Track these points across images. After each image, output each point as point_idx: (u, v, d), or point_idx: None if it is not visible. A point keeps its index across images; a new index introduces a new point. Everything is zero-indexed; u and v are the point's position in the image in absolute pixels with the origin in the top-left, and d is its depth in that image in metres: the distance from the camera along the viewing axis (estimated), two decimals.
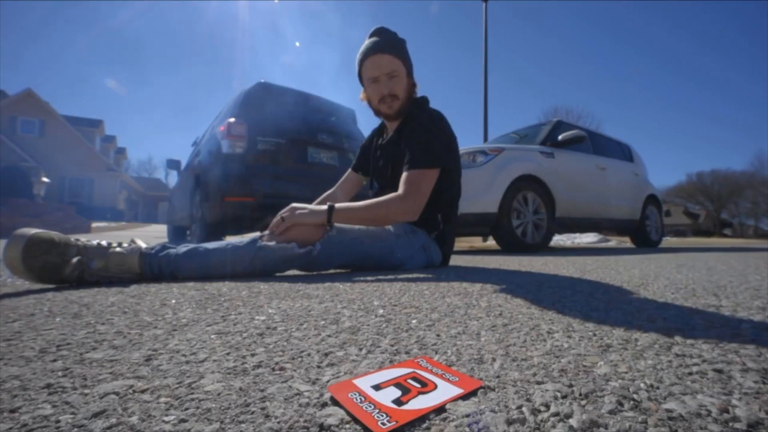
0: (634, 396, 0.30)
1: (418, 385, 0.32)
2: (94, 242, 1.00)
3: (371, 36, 1.37)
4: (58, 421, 0.27)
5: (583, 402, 0.29)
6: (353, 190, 1.63)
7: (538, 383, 0.33)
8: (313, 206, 1.17)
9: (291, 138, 2.98)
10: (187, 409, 0.28)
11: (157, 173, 42.78)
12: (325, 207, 1.16)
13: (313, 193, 1.62)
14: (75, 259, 0.93)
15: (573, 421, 0.26)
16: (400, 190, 1.25)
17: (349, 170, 1.63)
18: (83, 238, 1.00)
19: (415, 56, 1.41)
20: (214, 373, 0.36)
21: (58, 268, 0.92)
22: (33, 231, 0.91)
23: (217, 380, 0.34)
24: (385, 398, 0.29)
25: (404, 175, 1.27)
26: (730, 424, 0.26)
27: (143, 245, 1.05)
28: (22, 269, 0.88)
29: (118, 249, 1.00)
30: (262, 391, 0.32)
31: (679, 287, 0.92)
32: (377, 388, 0.31)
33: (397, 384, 0.32)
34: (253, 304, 0.68)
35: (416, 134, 1.31)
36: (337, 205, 1.17)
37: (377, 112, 1.43)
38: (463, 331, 0.50)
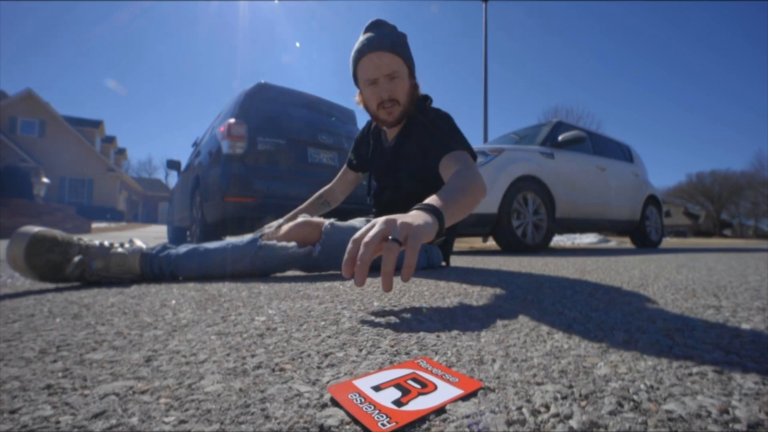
0: (634, 397, 0.30)
1: (418, 386, 0.32)
2: (96, 242, 1.00)
3: (367, 30, 1.20)
4: (58, 422, 0.27)
5: (583, 403, 0.29)
6: (350, 189, 1.59)
7: (538, 384, 0.33)
8: (422, 216, 0.69)
9: (291, 138, 2.98)
10: (187, 410, 0.29)
11: (157, 173, 42.87)
12: (429, 217, 0.69)
13: (312, 194, 1.60)
14: (77, 258, 0.93)
15: (573, 422, 0.26)
16: (461, 166, 1.04)
17: (346, 167, 1.57)
18: (85, 238, 1.00)
19: (415, 54, 1.26)
20: (214, 374, 0.36)
21: (60, 267, 0.92)
22: (36, 229, 0.91)
23: (217, 381, 0.34)
24: (385, 399, 0.29)
25: (452, 156, 1.10)
26: (730, 425, 0.26)
27: (143, 246, 1.05)
28: (24, 267, 0.88)
29: (119, 249, 1.00)
30: (262, 392, 0.32)
31: (679, 288, 0.92)
32: (377, 389, 0.31)
33: (397, 385, 0.32)
34: (253, 305, 0.68)
35: (439, 123, 1.22)
36: (435, 204, 0.75)
37: (375, 118, 1.29)
38: (463, 332, 0.50)
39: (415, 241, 0.60)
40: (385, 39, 1.16)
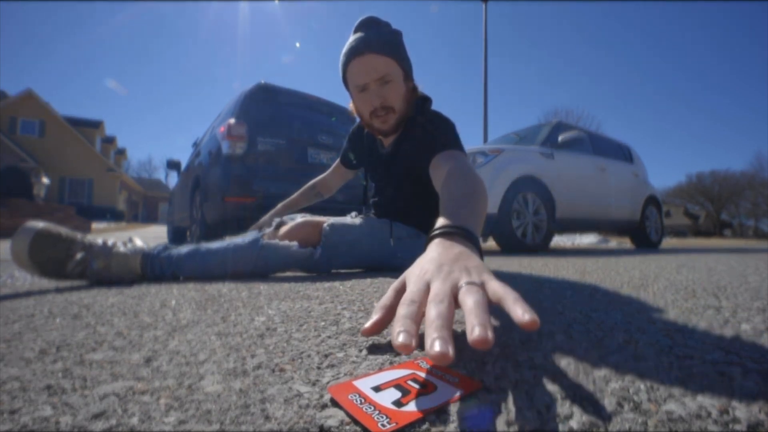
0: (634, 397, 0.30)
1: (418, 387, 0.32)
2: (99, 241, 1.01)
3: (357, 30, 1.06)
4: (57, 422, 0.27)
5: (583, 403, 0.29)
6: (343, 182, 1.57)
7: (538, 384, 0.33)
8: (459, 248, 0.51)
9: (291, 138, 2.98)
10: (187, 410, 0.29)
11: (157, 174, 42.94)
12: (465, 246, 0.52)
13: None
14: (79, 255, 0.94)
15: (573, 422, 0.26)
16: (455, 164, 0.91)
17: (339, 162, 1.50)
18: (88, 236, 1.01)
19: (414, 54, 1.14)
20: (214, 375, 0.36)
21: (62, 263, 0.93)
22: (41, 224, 0.92)
23: (217, 381, 0.34)
24: (385, 400, 0.29)
25: (443, 155, 0.99)
26: (730, 425, 0.26)
27: (144, 246, 1.06)
28: (27, 262, 0.89)
29: (121, 249, 1.00)
30: (262, 392, 0.32)
31: (679, 288, 0.92)
32: (377, 389, 0.31)
33: (397, 385, 0.32)
34: (253, 305, 0.68)
35: (437, 124, 1.12)
36: (462, 224, 0.58)
37: (369, 127, 1.16)
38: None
39: (495, 282, 0.41)
40: (376, 39, 1.03)
